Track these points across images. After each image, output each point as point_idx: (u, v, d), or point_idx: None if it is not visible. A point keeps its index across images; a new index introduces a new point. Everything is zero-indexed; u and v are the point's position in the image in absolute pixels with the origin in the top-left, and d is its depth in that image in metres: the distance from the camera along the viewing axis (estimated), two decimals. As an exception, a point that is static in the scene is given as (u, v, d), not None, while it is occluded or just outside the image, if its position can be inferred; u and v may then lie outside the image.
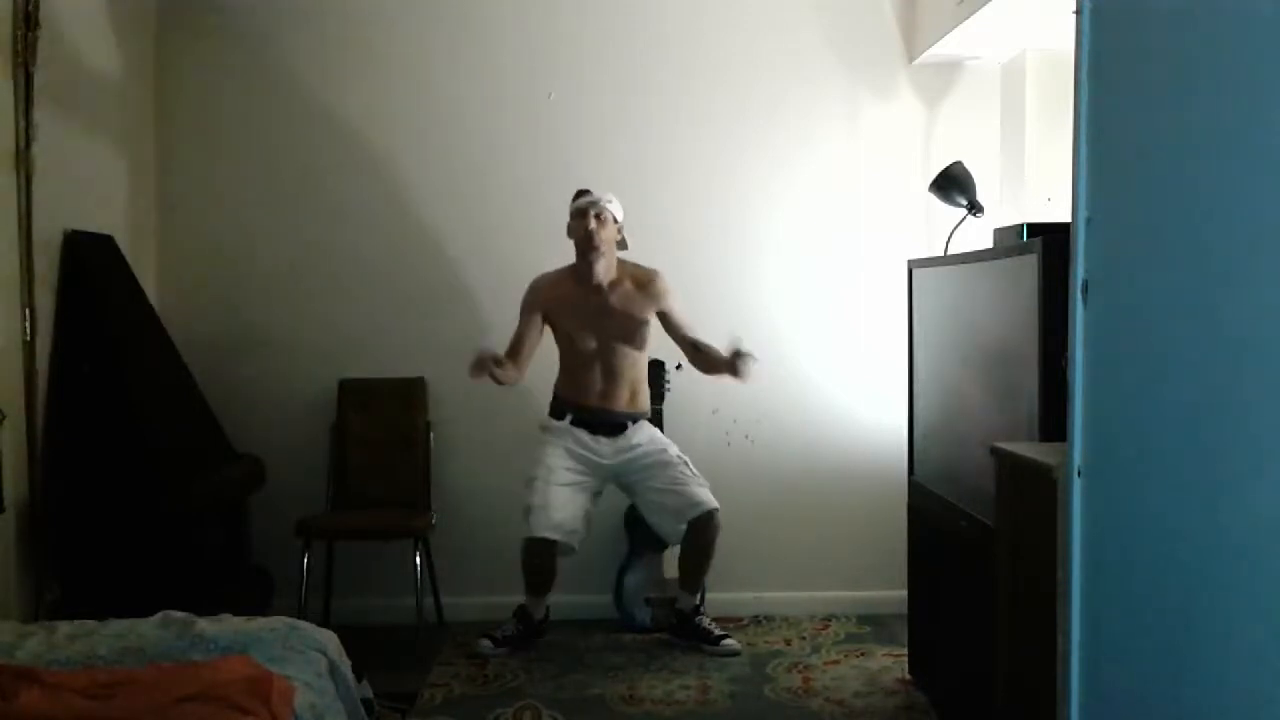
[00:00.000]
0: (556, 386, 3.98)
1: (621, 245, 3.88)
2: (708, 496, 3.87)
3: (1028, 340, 2.55)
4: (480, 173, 4.26)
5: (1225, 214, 1.37)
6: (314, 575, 3.94)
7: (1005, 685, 2.41)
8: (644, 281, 3.88)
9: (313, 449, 4.20)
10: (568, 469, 3.87)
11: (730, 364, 3.70)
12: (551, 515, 3.82)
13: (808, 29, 4.29)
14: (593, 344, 3.87)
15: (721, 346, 3.74)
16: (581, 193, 3.83)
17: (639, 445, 3.90)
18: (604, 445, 3.88)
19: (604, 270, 3.81)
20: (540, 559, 3.88)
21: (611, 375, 3.88)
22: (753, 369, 3.69)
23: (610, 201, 3.81)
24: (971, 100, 4.29)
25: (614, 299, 3.85)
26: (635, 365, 3.92)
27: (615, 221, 3.83)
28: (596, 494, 3.96)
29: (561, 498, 3.84)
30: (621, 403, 3.90)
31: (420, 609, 3.91)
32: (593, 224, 3.77)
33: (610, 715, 3.38)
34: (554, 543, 3.84)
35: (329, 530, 4.04)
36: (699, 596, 4.01)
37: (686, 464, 3.91)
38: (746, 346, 3.68)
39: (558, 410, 3.95)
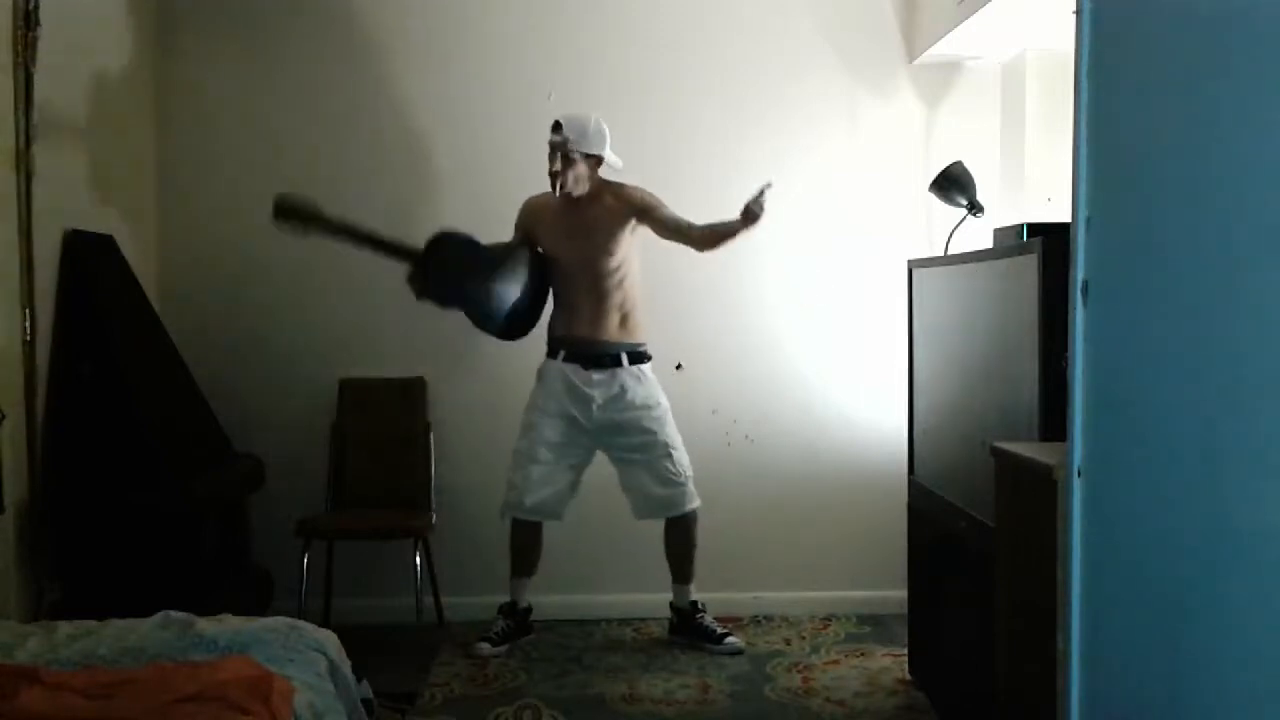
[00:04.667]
0: (550, 325, 3.95)
1: (597, 165, 3.85)
2: (690, 496, 3.90)
3: (1028, 340, 2.55)
4: (480, 172, 4.26)
5: (1225, 214, 1.37)
6: (314, 575, 3.94)
7: (1005, 685, 2.41)
8: (623, 196, 3.88)
9: (313, 449, 4.20)
10: (552, 443, 3.85)
11: (746, 214, 3.66)
12: (528, 498, 3.86)
13: (808, 29, 4.29)
14: (574, 262, 3.87)
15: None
16: (555, 126, 3.81)
17: (632, 405, 3.85)
18: (597, 389, 3.83)
19: (572, 188, 3.82)
20: (524, 538, 3.95)
21: (598, 299, 3.86)
22: (764, 200, 3.62)
23: (577, 143, 3.77)
24: (971, 100, 4.30)
25: (590, 214, 3.87)
26: (622, 288, 3.88)
27: (588, 158, 3.81)
28: (585, 463, 3.94)
29: (541, 477, 3.85)
30: (611, 330, 3.87)
31: (420, 609, 3.91)
32: (557, 165, 3.80)
33: (610, 715, 3.39)
34: (537, 523, 3.91)
35: (329, 530, 4.04)
36: (696, 597, 4.01)
37: (671, 456, 3.87)
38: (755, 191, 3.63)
39: (552, 348, 3.92)
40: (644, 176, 3.96)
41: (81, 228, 3.58)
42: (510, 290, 3.83)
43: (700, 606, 4.00)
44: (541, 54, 4.28)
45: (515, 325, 3.89)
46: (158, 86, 4.24)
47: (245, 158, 4.28)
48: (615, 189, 3.90)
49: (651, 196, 3.88)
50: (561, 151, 3.79)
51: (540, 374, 3.93)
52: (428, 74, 4.28)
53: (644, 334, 3.93)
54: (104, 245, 3.72)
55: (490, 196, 4.23)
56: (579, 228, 3.87)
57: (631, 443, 3.88)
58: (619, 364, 3.86)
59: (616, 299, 3.88)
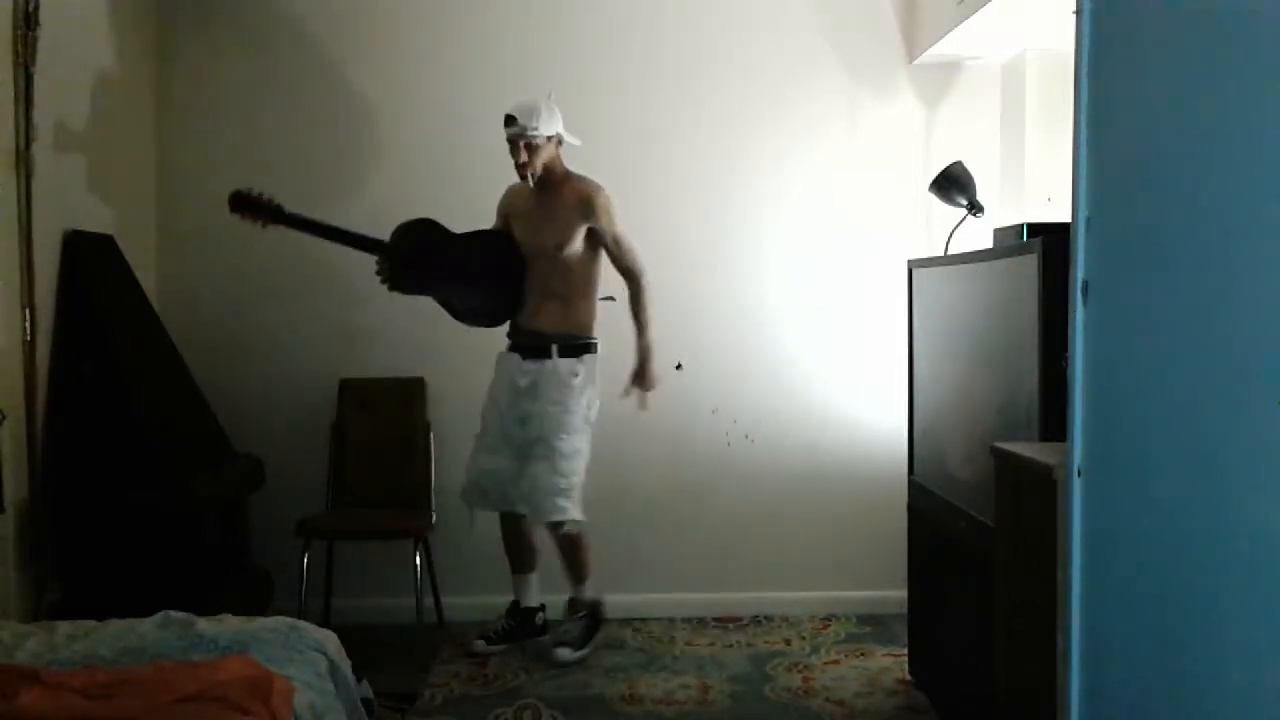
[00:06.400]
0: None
1: (559, 144, 3.79)
2: (556, 510, 3.71)
3: (1028, 340, 2.55)
4: (480, 172, 4.25)
5: (1225, 214, 1.37)
6: (314, 575, 3.94)
7: (1005, 685, 2.41)
8: (580, 193, 3.78)
9: (313, 449, 4.20)
10: (493, 433, 3.83)
11: (638, 367, 3.83)
12: (468, 484, 3.86)
13: (808, 29, 4.29)
14: (532, 251, 3.83)
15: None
16: (509, 120, 3.72)
17: (538, 398, 3.74)
18: (524, 378, 3.78)
19: (541, 173, 3.77)
20: (504, 532, 3.93)
21: (544, 288, 3.81)
22: (647, 391, 3.84)
23: (536, 127, 3.68)
24: (971, 100, 4.30)
25: (550, 205, 3.80)
26: (568, 283, 3.78)
27: (549, 139, 3.73)
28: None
29: (485, 465, 3.83)
30: (549, 321, 3.79)
31: (420, 609, 3.91)
32: (524, 156, 3.72)
33: (610, 715, 3.39)
34: (517, 516, 3.86)
35: (329, 530, 4.04)
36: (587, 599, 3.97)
37: (551, 460, 3.69)
38: (654, 377, 3.83)
39: (508, 338, 3.90)
40: (644, 176, 3.96)
41: (81, 228, 3.58)
42: (474, 279, 3.82)
43: (588, 607, 3.94)
44: (541, 54, 4.27)
45: (483, 314, 3.86)
46: (158, 86, 4.25)
47: (245, 158, 4.28)
48: (577, 182, 3.80)
49: (601, 209, 3.74)
50: (523, 141, 3.71)
51: (495, 365, 3.91)
52: (428, 73, 4.28)
53: (586, 327, 3.82)
54: (104, 245, 3.72)
55: (489, 195, 4.23)
56: (538, 217, 3.82)
57: (527, 437, 3.79)
58: (548, 355, 3.78)
59: (558, 290, 3.79)
